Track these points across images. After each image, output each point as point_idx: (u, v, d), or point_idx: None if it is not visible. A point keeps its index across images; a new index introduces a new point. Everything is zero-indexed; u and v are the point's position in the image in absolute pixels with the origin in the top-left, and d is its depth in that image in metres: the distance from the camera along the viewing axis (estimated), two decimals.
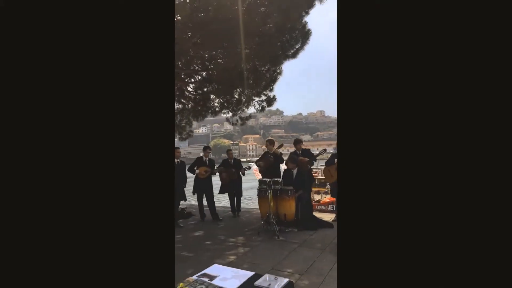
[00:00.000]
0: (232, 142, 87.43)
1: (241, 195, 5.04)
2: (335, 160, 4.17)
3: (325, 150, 4.65)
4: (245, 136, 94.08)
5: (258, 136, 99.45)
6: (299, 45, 5.20)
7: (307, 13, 4.63)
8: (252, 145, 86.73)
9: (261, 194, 3.94)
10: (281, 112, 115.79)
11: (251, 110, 7.21)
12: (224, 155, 5.22)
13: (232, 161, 4.99)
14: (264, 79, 6.63)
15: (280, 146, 4.77)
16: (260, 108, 7.25)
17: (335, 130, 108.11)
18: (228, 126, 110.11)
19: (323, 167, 4.60)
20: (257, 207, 4.54)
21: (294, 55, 5.33)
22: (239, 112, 7.53)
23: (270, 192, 3.72)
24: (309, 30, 4.91)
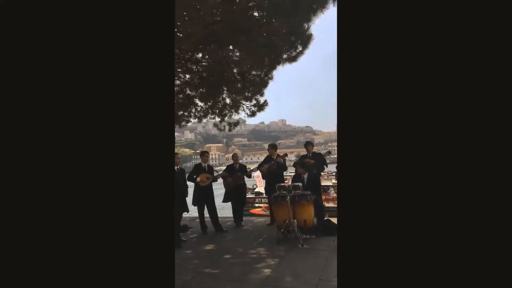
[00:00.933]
0: (194, 151, 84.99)
1: (246, 202, 4.76)
2: None
3: (329, 152, 4.63)
4: (207, 145, 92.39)
5: (221, 145, 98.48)
6: (298, 50, 5.18)
7: (309, 19, 4.62)
8: (215, 154, 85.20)
9: (278, 200, 3.72)
10: (244, 121, 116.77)
11: (241, 114, 7.03)
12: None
13: (238, 166, 4.71)
14: (254, 84, 6.50)
15: (285, 155, 4.63)
16: (250, 113, 7.09)
17: (296, 138, 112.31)
18: (189, 135, 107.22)
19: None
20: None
21: (292, 60, 5.28)
22: (227, 117, 7.30)
23: (288, 198, 3.54)
24: (310, 35, 4.91)
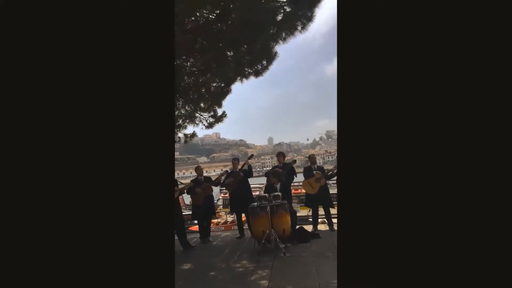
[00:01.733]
0: None
1: (214, 214, 4.58)
2: (314, 172, 4.44)
3: (295, 161, 4.87)
4: None
5: None
6: (262, 65, 5.40)
7: (276, 39, 4.89)
8: None
9: (257, 211, 3.72)
10: (176, 134, 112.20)
11: (199, 126, 6.81)
12: None
13: (203, 178, 4.52)
14: (213, 95, 6.45)
15: (250, 156, 4.70)
16: (208, 125, 6.94)
17: (230, 152, 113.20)
18: None
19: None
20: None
21: (257, 74, 5.46)
22: (181, 128, 7.00)
23: (268, 209, 3.58)
24: (276, 52, 5.20)
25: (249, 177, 4.62)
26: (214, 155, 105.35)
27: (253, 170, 4.68)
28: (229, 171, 4.65)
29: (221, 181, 4.63)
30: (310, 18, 4.39)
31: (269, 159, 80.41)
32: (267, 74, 5.72)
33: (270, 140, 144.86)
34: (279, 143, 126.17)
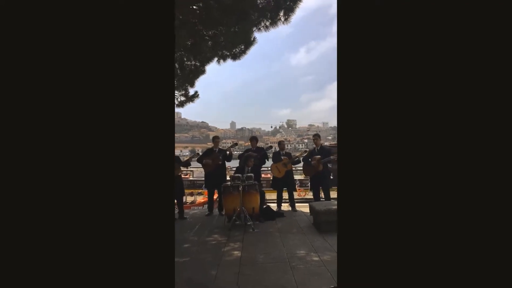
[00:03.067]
0: None
1: (183, 194, 4.67)
2: (282, 157, 4.77)
3: (271, 147, 5.13)
4: None
5: None
6: (241, 49, 5.45)
7: (258, 25, 4.95)
8: None
9: (228, 190, 3.93)
10: None
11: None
12: None
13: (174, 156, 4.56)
14: (186, 73, 6.33)
15: (235, 145, 4.85)
16: (178, 103, 6.81)
17: (191, 133, 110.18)
18: None
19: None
20: None
21: (234, 57, 5.51)
22: None
23: (240, 188, 3.81)
24: (255, 38, 5.28)
25: (227, 161, 4.81)
26: (175, 135, 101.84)
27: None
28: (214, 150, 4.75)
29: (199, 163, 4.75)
30: (292, 9, 4.56)
31: (230, 143, 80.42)
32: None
33: (233, 124, 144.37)
34: (242, 128, 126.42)
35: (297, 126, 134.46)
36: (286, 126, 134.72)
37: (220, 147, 4.83)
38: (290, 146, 75.36)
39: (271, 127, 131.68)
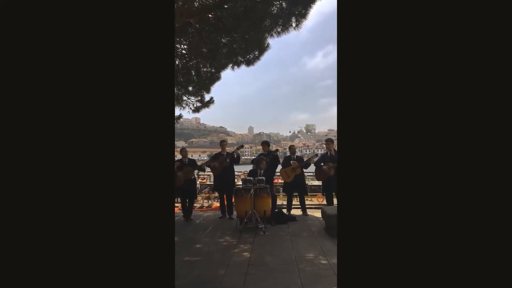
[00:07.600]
0: None
1: (196, 198, 4.81)
2: (291, 162, 4.79)
3: (277, 150, 5.19)
4: None
5: None
6: (254, 55, 5.57)
7: (271, 31, 5.06)
8: None
9: (240, 193, 4.00)
10: None
11: (186, 110, 6.90)
12: None
13: (187, 160, 4.72)
14: (202, 79, 6.53)
15: (241, 147, 4.95)
16: (194, 109, 7.03)
17: (209, 138, 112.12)
18: None
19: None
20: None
21: (248, 63, 5.64)
22: None
23: (252, 191, 3.88)
24: (268, 44, 5.38)
25: (235, 164, 4.89)
26: (192, 140, 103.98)
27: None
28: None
29: (206, 166, 4.87)
30: (304, 15, 4.62)
31: (248, 148, 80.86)
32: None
33: (251, 129, 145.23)
34: (259, 133, 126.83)
35: (316, 131, 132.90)
36: (304, 131, 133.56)
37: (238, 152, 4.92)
38: (309, 151, 74.50)
39: (289, 132, 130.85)
